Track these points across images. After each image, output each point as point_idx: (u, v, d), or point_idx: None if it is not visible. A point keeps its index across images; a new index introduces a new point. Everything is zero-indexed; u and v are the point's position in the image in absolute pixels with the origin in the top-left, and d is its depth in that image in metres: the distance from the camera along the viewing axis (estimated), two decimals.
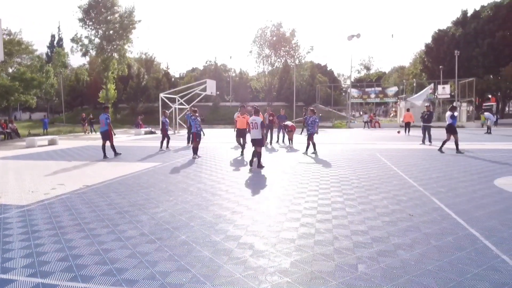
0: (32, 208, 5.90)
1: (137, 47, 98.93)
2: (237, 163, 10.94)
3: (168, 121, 15.86)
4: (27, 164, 11.27)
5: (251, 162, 9.90)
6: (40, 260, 3.76)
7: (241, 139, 13.00)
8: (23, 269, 3.54)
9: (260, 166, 9.71)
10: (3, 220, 5.24)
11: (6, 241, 4.34)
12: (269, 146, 16.06)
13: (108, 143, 12.65)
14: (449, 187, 7.01)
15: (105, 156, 12.45)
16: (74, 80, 61.81)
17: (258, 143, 9.64)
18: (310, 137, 12.67)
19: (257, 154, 9.73)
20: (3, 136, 24.22)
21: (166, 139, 15.31)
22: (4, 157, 13.29)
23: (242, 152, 12.80)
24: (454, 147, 12.43)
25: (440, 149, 12.74)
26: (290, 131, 16.04)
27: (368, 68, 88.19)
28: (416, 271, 3.37)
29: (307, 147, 12.79)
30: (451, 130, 12.44)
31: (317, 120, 12.91)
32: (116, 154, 12.76)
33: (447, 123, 12.57)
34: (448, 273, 3.32)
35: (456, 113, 12.77)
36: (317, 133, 12.71)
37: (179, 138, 21.08)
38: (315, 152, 12.67)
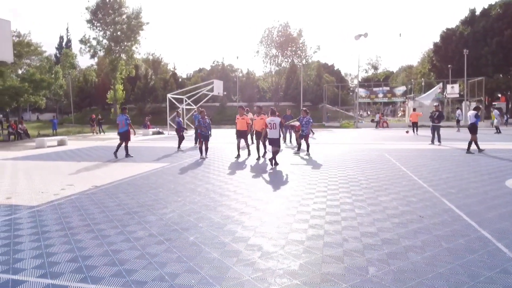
0: (42, 208, 5.95)
1: (144, 47, 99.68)
2: (244, 164, 10.93)
3: (182, 121, 15.93)
4: (37, 165, 11.39)
5: (271, 161, 10.11)
6: (50, 261, 3.79)
7: (242, 140, 12.81)
8: (33, 270, 3.57)
9: (273, 162, 10.03)
10: (14, 220, 5.29)
11: (16, 242, 4.38)
12: None
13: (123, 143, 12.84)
14: (459, 188, 6.93)
15: (115, 154, 12.58)
16: (83, 81, 62.48)
17: (276, 143, 10.09)
18: (305, 138, 12.82)
19: (274, 153, 10.09)
20: (13, 136, 24.55)
21: (180, 139, 15.39)
22: (15, 158, 13.45)
23: (246, 153, 12.79)
24: (466, 147, 12.30)
25: (479, 151, 12.35)
26: (297, 131, 16.00)
27: (375, 68, 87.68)
28: (427, 274, 3.32)
29: (308, 147, 12.84)
30: (473, 129, 12.30)
31: (311, 121, 13.02)
32: (127, 155, 12.85)
33: (470, 122, 12.45)
34: (460, 276, 3.27)
35: (480, 113, 12.62)
36: (308, 133, 12.92)
37: (187, 138, 21.07)
38: (297, 152, 12.89)
